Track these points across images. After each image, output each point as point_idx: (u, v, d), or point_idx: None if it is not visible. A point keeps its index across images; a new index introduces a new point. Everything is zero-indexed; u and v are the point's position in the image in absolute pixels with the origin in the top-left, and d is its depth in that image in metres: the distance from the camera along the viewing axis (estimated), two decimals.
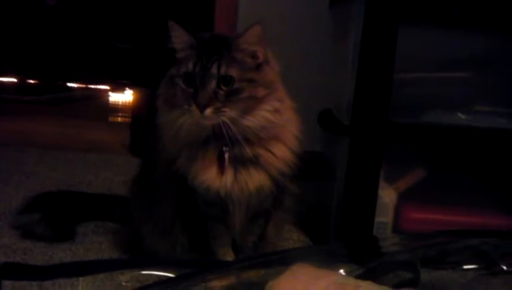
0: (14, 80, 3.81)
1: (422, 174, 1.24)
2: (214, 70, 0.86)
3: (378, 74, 1.12)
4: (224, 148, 0.92)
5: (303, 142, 1.04)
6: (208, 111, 0.85)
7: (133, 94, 2.24)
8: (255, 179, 0.94)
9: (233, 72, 0.87)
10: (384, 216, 1.21)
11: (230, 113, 0.86)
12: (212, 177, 0.93)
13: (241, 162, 0.93)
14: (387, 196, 1.22)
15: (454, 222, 1.20)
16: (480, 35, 1.23)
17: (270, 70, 0.92)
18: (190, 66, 0.87)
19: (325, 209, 1.33)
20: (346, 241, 1.05)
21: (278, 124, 0.92)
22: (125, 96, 3.24)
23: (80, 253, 1.14)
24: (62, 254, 1.13)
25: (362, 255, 0.93)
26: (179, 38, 0.91)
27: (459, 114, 1.22)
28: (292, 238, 1.30)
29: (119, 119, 3.02)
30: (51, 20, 3.66)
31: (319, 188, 1.41)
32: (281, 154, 0.95)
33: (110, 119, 3.06)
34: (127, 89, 3.25)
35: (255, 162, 0.93)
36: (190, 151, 0.94)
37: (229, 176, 0.93)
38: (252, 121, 0.89)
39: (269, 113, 0.90)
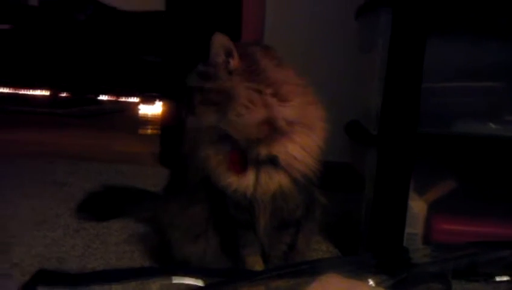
0: (46, 93, 3.90)
1: (453, 185, 1.23)
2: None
3: (407, 84, 1.12)
4: (241, 149, 0.94)
5: (331, 152, 1.04)
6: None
7: (162, 106, 2.27)
8: (275, 180, 0.94)
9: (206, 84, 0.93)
10: (414, 227, 1.20)
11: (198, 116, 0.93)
12: (234, 180, 0.95)
13: (259, 163, 0.94)
14: (417, 206, 1.21)
15: (484, 233, 1.18)
16: (508, 43, 1.22)
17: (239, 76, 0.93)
18: None
19: (354, 220, 1.33)
20: (376, 252, 1.04)
21: (251, 126, 0.91)
22: (154, 109, 3.27)
23: (112, 262, 1.16)
24: (95, 262, 1.15)
25: (392, 266, 0.93)
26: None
27: (490, 124, 1.21)
28: (321, 249, 1.30)
29: (149, 131, 3.06)
30: (81, 35, 3.75)
31: (348, 199, 1.40)
32: (299, 157, 0.94)
33: (140, 131, 3.10)
34: (156, 101, 3.29)
35: (273, 163, 0.94)
36: (215, 153, 0.97)
37: (250, 177, 0.95)
38: (227, 123, 0.92)
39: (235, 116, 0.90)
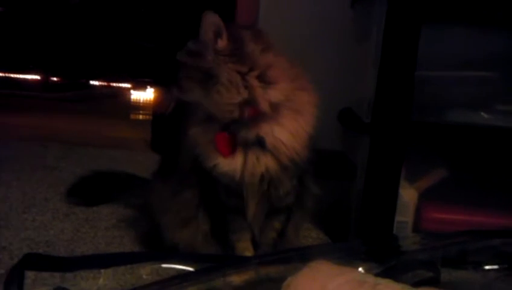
0: (37, 77, 3.87)
1: (444, 174, 1.23)
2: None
3: (400, 72, 1.12)
4: (231, 129, 0.94)
5: (323, 139, 1.04)
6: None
7: (154, 92, 2.26)
8: (262, 163, 0.95)
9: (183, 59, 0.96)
10: (404, 215, 1.20)
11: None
12: (223, 161, 0.95)
13: (248, 145, 0.94)
14: (408, 195, 1.21)
15: (475, 222, 1.18)
16: (502, 33, 1.22)
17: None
18: None
19: (344, 208, 1.33)
20: (366, 239, 1.04)
21: (233, 107, 0.92)
22: (146, 94, 3.27)
23: (102, 247, 1.16)
24: (84, 247, 1.15)
25: (381, 254, 0.93)
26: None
27: (482, 113, 1.21)
28: (311, 236, 1.30)
29: (141, 116, 3.05)
30: (74, 19, 3.71)
31: (339, 187, 1.40)
32: (287, 141, 0.94)
33: (132, 116, 3.09)
34: (148, 87, 3.28)
35: (261, 146, 0.94)
36: (205, 134, 0.97)
37: (238, 159, 0.95)
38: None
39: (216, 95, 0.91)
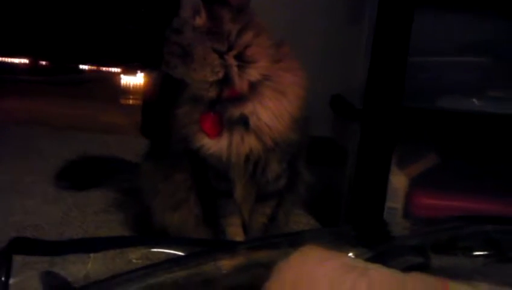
0: (25, 60, 3.82)
1: (435, 160, 1.23)
2: None
3: (393, 58, 1.11)
4: (216, 109, 0.94)
5: (314, 125, 1.03)
6: None
7: (144, 76, 2.24)
8: (246, 143, 0.95)
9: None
10: (394, 202, 1.20)
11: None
12: (209, 141, 0.95)
13: (233, 125, 0.94)
14: (399, 181, 1.21)
15: (465, 209, 1.18)
16: (494, 19, 1.21)
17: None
18: None
19: (335, 194, 1.33)
20: (356, 225, 1.04)
21: (206, 84, 0.93)
22: (136, 79, 3.24)
23: (91, 231, 1.15)
24: (73, 231, 1.14)
25: (371, 239, 0.93)
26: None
27: (473, 100, 1.21)
28: (301, 221, 1.30)
29: (131, 101, 3.03)
30: (63, 2, 3.66)
31: (330, 173, 1.40)
32: (270, 123, 0.94)
33: (122, 101, 3.06)
34: (138, 71, 3.25)
35: (245, 125, 0.94)
36: (192, 114, 0.97)
37: (224, 139, 0.95)
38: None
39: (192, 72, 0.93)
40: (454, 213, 1.10)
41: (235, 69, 0.91)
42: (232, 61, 0.91)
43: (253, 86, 0.93)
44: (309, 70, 0.99)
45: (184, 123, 0.98)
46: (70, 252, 0.93)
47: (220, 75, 0.91)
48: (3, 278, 0.80)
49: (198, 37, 0.91)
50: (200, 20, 0.91)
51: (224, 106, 0.93)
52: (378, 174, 1.15)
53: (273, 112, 0.94)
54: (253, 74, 0.92)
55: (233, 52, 0.91)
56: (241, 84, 0.92)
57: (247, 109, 0.93)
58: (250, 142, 0.94)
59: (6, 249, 0.84)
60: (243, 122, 0.93)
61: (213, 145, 0.95)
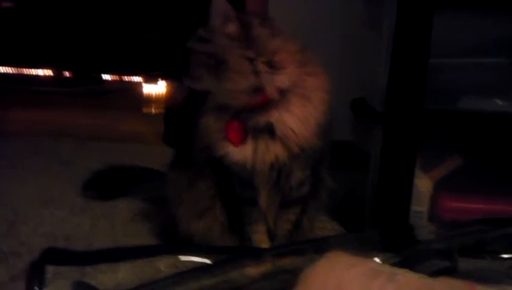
0: (49, 72, 3.88)
1: (459, 162, 1.22)
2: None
3: (413, 60, 1.11)
4: (240, 118, 0.94)
5: (336, 130, 1.03)
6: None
7: (166, 85, 2.26)
8: (271, 151, 0.95)
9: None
10: (420, 205, 1.20)
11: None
12: (233, 149, 0.95)
13: (258, 133, 0.94)
14: (423, 184, 1.21)
15: (491, 211, 1.17)
16: None
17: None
18: None
19: (359, 199, 1.33)
20: (382, 230, 1.04)
21: (242, 93, 0.92)
22: (158, 88, 3.27)
23: (120, 240, 1.17)
24: (102, 240, 1.16)
25: (398, 243, 0.93)
26: None
27: (496, 100, 1.20)
28: (326, 227, 1.30)
29: (153, 110, 3.06)
30: (84, 13, 3.71)
31: (353, 178, 1.40)
32: (296, 129, 0.94)
33: (144, 110, 3.10)
34: (160, 80, 3.28)
35: (271, 133, 0.94)
36: (216, 122, 0.98)
37: (249, 146, 0.95)
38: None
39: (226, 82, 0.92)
40: (480, 216, 1.10)
41: (267, 76, 0.91)
42: (263, 68, 0.91)
43: (281, 93, 0.92)
44: (329, 74, 0.99)
45: (207, 131, 0.99)
46: (100, 262, 0.95)
47: (253, 82, 0.91)
48: (37, 288, 0.82)
49: (230, 45, 0.91)
50: (232, 28, 0.91)
51: (249, 113, 0.93)
52: (403, 177, 1.14)
53: (299, 118, 0.94)
54: (283, 80, 0.92)
55: (263, 59, 0.91)
56: (271, 92, 0.91)
57: (274, 116, 0.93)
58: (276, 150, 0.94)
59: (39, 260, 0.86)
60: (269, 130, 0.94)
61: (237, 153, 0.95)
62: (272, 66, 0.91)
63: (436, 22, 1.09)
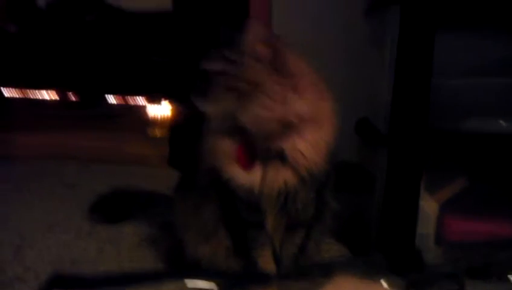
0: (54, 94, 3.91)
1: (464, 184, 1.22)
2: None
3: (416, 82, 1.11)
4: (251, 143, 0.93)
5: (340, 151, 1.03)
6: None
7: (171, 108, 2.28)
8: (281, 176, 0.94)
9: (215, 66, 0.92)
10: (426, 227, 1.19)
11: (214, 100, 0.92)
12: (241, 173, 0.95)
13: (268, 158, 0.93)
14: (429, 206, 1.20)
15: (497, 233, 1.17)
16: None
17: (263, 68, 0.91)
18: None
19: (364, 221, 1.32)
20: (388, 253, 1.04)
21: (273, 120, 0.90)
22: (163, 110, 3.29)
23: (126, 265, 1.17)
24: (108, 265, 1.16)
25: (404, 267, 0.93)
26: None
27: (500, 121, 1.20)
28: (332, 250, 1.29)
29: (158, 132, 3.07)
30: (89, 36, 3.75)
31: (358, 199, 1.40)
32: (308, 154, 0.93)
33: (149, 132, 3.11)
34: (164, 102, 3.30)
35: (281, 158, 0.93)
36: (223, 145, 0.96)
37: (257, 171, 0.94)
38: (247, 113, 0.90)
39: (260, 107, 0.89)
40: (486, 238, 1.09)
41: (294, 102, 0.90)
42: (290, 95, 0.90)
43: (299, 118, 0.91)
44: (334, 94, 0.99)
45: (214, 153, 0.98)
46: (106, 287, 0.96)
47: (284, 110, 0.89)
48: None
49: (264, 70, 0.89)
50: (266, 52, 0.90)
51: (260, 137, 0.92)
52: (408, 199, 1.14)
53: (311, 143, 0.93)
54: (302, 107, 0.91)
55: (290, 83, 0.90)
56: (294, 117, 0.90)
57: (287, 143, 0.92)
58: (286, 176, 0.94)
59: (47, 284, 0.87)
60: (279, 155, 0.93)
61: (246, 177, 0.95)
62: (296, 92, 0.90)
63: (440, 43, 1.10)
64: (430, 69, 1.11)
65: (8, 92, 3.82)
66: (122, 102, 3.90)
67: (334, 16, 1.85)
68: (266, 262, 1.02)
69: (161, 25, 3.40)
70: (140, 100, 3.77)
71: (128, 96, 3.87)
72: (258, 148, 0.94)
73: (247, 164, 0.95)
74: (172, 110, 2.24)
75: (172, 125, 2.22)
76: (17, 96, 3.88)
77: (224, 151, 0.97)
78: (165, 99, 3.03)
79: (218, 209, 1.03)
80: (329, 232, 1.13)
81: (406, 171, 1.14)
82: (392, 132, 1.14)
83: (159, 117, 3.22)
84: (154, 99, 3.52)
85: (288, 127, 0.91)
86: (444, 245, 1.16)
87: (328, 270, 0.88)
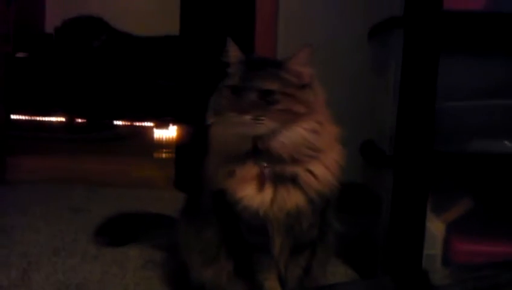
0: (62, 119, 3.95)
1: (470, 205, 1.22)
2: (257, 83, 0.90)
3: (420, 103, 1.12)
4: (263, 165, 0.93)
5: (345, 173, 1.03)
6: (247, 117, 0.88)
7: (177, 130, 2.29)
8: (292, 199, 0.93)
9: (274, 86, 0.90)
10: (433, 248, 1.18)
11: (268, 122, 0.88)
12: (250, 194, 0.94)
13: (280, 180, 0.93)
14: (436, 227, 1.20)
15: (504, 253, 1.16)
16: None
17: (313, 93, 0.94)
18: (236, 79, 0.93)
19: (371, 242, 1.32)
20: (395, 275, 1.03)
21: (315, 145, 0.92)
22: (169, 133, 3.31)
23: (131, 288, 1.17)
24: (113, 288, 1.16)
25: (411, 288, 0.92)
26: (233, 53, 0.97)
27: (505, 142, 1.20)
28: (339, 272, 1.29)
29: (164, 155, 3.09)
30: (96, 61, 3.81)
31: (364, 221, 1.39)
32: (321, 176, 0.94)
33: (155, 155, 3.13)
34: (171, 125, 3.33)
35: (293, 181, 0.93)
36: (229, 166, 0.95)
37: (267, 193, 0.93)
38: (287, 136, 0.90)
39: (306, 132, 0.91)
40: (493, 258, 1.08)
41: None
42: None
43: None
44: (338, 117, 0.99)
45: (219, 177, 0.97)
46: None
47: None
48: None
49: (311, 94, 0.94)
50: (308, 75, 0.94)
51: (271, 160, 0.93)
52: (415, 221, 1.14)
53: (325, 166, 0.94)
54: (324, 131, 0.93)
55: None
56: (319, 143, 0.93)
57: (301, 166, 0.93)
58: (297, 198, 0.94)
59: None
60: (291, 178, 0.93)
61: (254, 198, 0.94)
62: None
63: (444, 66, 1.11)
64: (434, 92, 1.12)
65: (16, 116, 3.86)
66: (129, 125, 3.94)
67: (338, 39, 1.87)
68: (272, 285, 1.01)
69: (168, 49, 3.45)
70: (147, 123, 3.81)
71: (135, 120, 3.91)
72: (271, 170, 0.93)
73: (262, 185, 0.94)
74: (178, 132, 2.26)
75: (179, 148, 2.23)
76: (25, 119, 3.93)
77: (232, 173, 0.95)
78: (172, 122, 3.06)
79: (220, 232, 1.03)
80: (334, 254, 1.12)
81: (412, 192, 1.14)
82: (397, 153, 1.15)
83: (165, 139, 3.24)
84: (161, 122, 3.56)
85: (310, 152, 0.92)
86: (450, 266, 1.15)
87: None
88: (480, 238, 1.20)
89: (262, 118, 0.88)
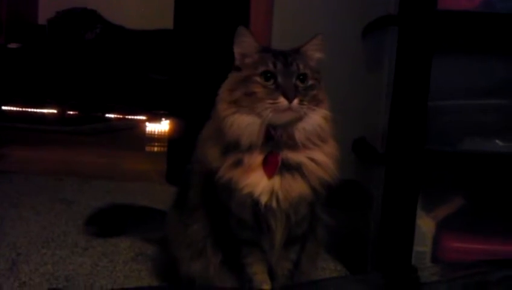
0: (54, 111, 3.93)
1: (460, 203, 1.23)
2: (294, 67, 0.93)
3: (413, 102, 1.13)
4: (275, 151, 0.93)
5: (338, 169, 1.03)
6: (295, 102, 0.90)
7: (169, 124, 2.29)
8: (297, 187, 0.93)
9: (307, 71, 0.94)
10: (422, 245, 1.19)
11: (306, 108, 0.91)
12: (257, 183, 0.93)
13: (286, 169, 0.93)
14: (425, 225, 1.21)
15: (493, 251, 1.17)
16: None
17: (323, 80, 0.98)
18: (270, 65, 0.93)
19: (361, 238, 1.32)
20: (385, 272, 1.04)
21: (324, 133, 0.94)
22: (161, 126, 3.31)
23: (120, 280, 1.16)
24: (103, 281, 1.15)
25: (401, 286, 0.92)
26: (248, 43, 0.97)
27: (497, 141, 1.21)
28: (329, 267, 1.29)
29: (156, 148, 3.09)
30: (90, 53, 3.79)
31: (355, 217, 1.40)
32: (323, 163, 0.94)
33: (147, 148, 3.12)
34: (163, 119, 3.32)
35: (297, 169, 0.93)
36: (238, 156, 0.93)
37: (276, 181, 0.93)
38: (309, 123, 0.92)
39: (322, 120, 0.93)
40: (482, 256, 1.09)
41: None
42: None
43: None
44: (332, 114, 1.00)
45: (212, 164, 0.95)
46: None
47: None
48: None
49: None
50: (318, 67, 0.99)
51: (283, 147, 0.93)
52: (405, 218, 1.14)
53: (327, 155, 0.95)
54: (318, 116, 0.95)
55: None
56: (325, 133, 0.95)
57: (305, 154, 0.93)
58: (301, 187, 0.94)
59: None
60: (297, 166, 0.93)
61: (263, 187, 0.93)
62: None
63: (438, 65, 1.12)
64: (427, 90, 1.13)
65: (7, 108, 3.84)
66: (121, 118, 3.92)
67: (332, 37, 1.87)
68: (262, 279, 1.01)
69: (161, 43, 3.44)
70: (140, 116, 3.80)
71: (127, 113, 3.90)
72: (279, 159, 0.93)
73: (272, 172, 0.93)
74: (170, 126, 2.25)
75: (171, 142, 2.23)
76: (17, 111, 3.91)
77: (239, 162, 0.94)
78: (165, 116, 3.05)
79: (206, 227, 1.03)
80: (323, 247, 1.12)
81: (403, 189, 1.14)
82: (389, 151, 1.15)
83: (157, 133, 3.24)
84: (153, 116, 3.55)
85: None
86: (440, 263, 1.16)
87: (324, 288, 0.88)
88: (470, 236, 1.21)
89: (305, 102, 0.91)
